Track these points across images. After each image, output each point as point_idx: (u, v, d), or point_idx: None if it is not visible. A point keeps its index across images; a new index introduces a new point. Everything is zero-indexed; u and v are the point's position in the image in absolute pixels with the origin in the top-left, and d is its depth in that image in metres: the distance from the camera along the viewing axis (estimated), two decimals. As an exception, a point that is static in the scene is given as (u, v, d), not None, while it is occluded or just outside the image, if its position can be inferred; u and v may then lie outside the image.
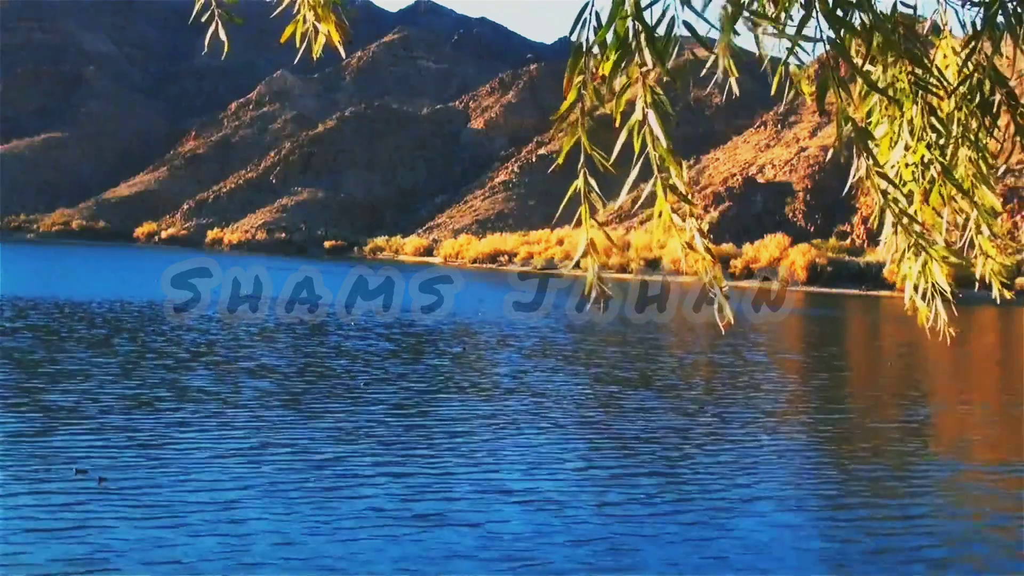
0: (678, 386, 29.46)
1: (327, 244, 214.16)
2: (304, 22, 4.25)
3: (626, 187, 3.80)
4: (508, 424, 21.72)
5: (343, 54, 4.34)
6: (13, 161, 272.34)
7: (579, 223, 3.85)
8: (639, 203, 3.95)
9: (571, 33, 3.60)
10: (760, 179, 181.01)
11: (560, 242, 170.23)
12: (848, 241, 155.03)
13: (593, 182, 3.80)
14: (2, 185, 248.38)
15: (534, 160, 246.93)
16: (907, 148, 4.23)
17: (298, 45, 4.31)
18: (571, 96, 3.65)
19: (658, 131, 3.56)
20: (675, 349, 43.24)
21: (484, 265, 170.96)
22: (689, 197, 3.76)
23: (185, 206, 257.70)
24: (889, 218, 4.21)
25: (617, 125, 3.68)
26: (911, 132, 4.23)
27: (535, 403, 24.83)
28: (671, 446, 20.10)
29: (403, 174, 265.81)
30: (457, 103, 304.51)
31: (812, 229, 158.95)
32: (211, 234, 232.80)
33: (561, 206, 3.83)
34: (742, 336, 51.33)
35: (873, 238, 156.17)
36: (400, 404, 23.83)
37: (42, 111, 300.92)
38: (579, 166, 3.77)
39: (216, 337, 36.93)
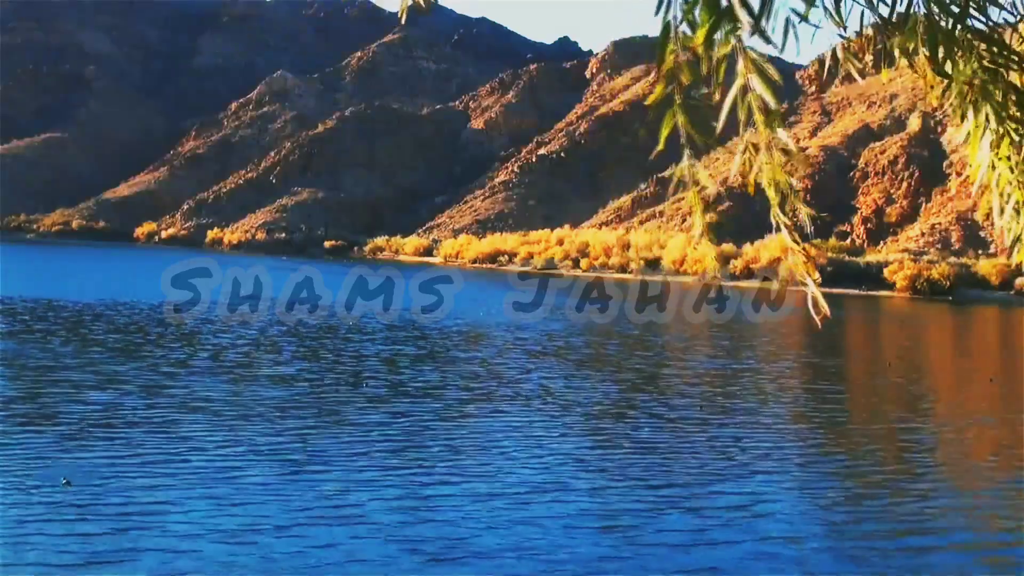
0: (706, 394, 28.55)
1: (327, 244, 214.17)
2: None
3: (736, 159, 3.73)
4: (545, 437, 20.65)
5: (425, 8, 4.28)
6: (13, 161, 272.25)
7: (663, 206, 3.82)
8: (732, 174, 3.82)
9: (656, 12, 3.55)
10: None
11: (560, 242, 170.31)
12: (848, 241, 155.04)
13: (698, 164, 3.74)
14: (2, 185, 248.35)
15: (534, 160, 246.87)
16: (991, 145, 4.09)
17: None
18: (665, 75, 3.59)
19: (766, 95, 3.50)
20: (689, 353, 42.62)
21: (484, 265, 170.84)
22: (800, 161, 3.69)
23: (185, 206, 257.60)
24: (1001, 198, 4.08)
25: (717, 97, 3.62)
26: (992, 130, 4.09)
27: (569, 415, 23.88)
28: (715, 463, 19.01)
29: (403, 174, 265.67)
30: (457, 103, 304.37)
31: (812, 229, 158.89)
32: (211, 234, 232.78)
33: (670, 190, 3.79)
34: (751, 337, 51.34)
35: (873, 238, 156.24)
36: (432, 416, 22.65)
37: (42, 111, 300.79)
38: (681, 146, 3.71)
39: (223, 341, 36.07)
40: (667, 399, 27.28)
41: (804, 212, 3.85)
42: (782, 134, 3.58)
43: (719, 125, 3.60)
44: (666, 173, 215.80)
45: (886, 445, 21.99)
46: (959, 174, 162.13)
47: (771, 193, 3.77)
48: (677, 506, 15.59)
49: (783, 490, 16.94)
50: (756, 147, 3.67)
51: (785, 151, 3.63)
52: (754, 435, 22.02)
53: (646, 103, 3.69)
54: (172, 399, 23.12)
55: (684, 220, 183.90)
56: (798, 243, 3.81)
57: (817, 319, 3.81)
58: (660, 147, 3.74)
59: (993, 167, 4.09)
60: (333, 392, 25.61)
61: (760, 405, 26.93)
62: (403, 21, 4.33)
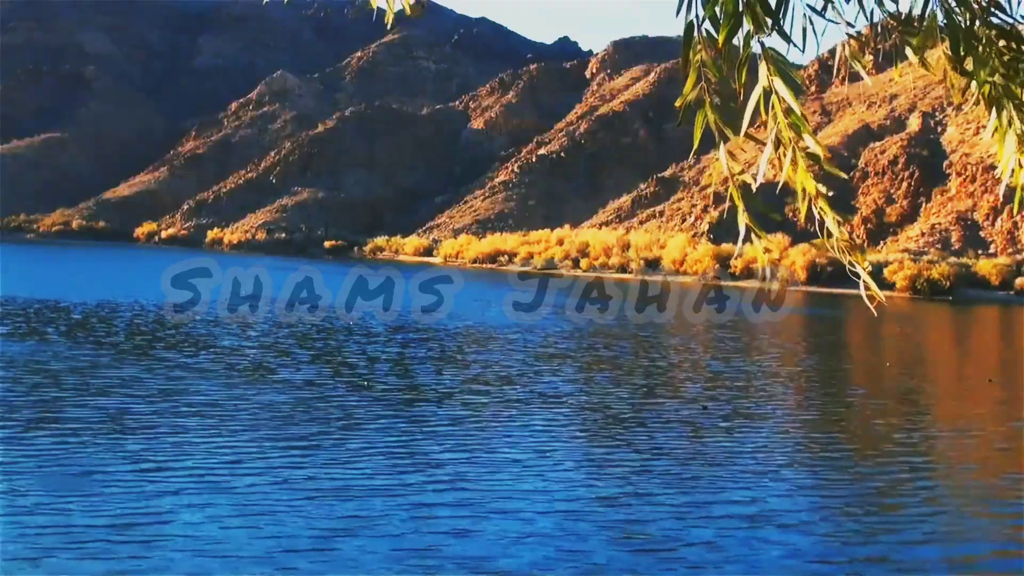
0: (714, 396, 28.18)
1: (327, 244, 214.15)
2: None
3: (764, 159, 3.69)
4: (559, 443, 20.41)
5: (411, 12, 4.26)
6: (13, 161, 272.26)
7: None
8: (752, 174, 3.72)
9: (677, 13, 3.51)
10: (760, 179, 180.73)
11: (560, 242, 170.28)
12: (848, 241, 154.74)
13: (734, 161, 3.70)
14: (2, 185, 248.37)
15: (534, 160, 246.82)
16: (1019, 142, 3.99)
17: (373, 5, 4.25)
18: (692, 75, 3.55)
19: (788, 98, 3.44)
20: (694, 354, 42.25)
21: (484, 265, 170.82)
22: (829, 166, 3.64)
23: (185, 206, 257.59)
24: None
25: (741, 97, 3.58)
26: (1016, 130, 4.01)
27: (581, 419, 23.66)
28: (726, 469, 18.63)
29: (403, 174, 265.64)
30: (457, 103, 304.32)
31: (812, 229, 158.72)
32: (211, 234, 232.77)
33: (714, 181, 3.76)
34: (753, 338, 51.36)
35: (873, 238, 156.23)
36: (444, 421, 22.23)
37: (42, 111, 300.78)
38: (716, 142, 3.67)
39: (225, 344, 35.71)
40: (677, 402, 27.01)
41: (831, 217, 3.83)
42: (809, 140, 3.54)
43: (743, 126, 3.55)
44: (666, 173, 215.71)
45: (889, 447, 21.99)
46: (959, 174, 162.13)
47: (802, 204, 3.72)
48: (694, 516, 15.24)
49: (794, 497, 16.70)
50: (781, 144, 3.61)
51: (813, 157, 3.59)
52: (761, 439, 22.01)
53: (675, 104, 3.67)
54: (175, 403, 22.74)
55: (684, 220, 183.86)
56: (839, 225, 3.77)
57: (871, 305, 3.73)
58: (695, 148, 3.71)
59: (1021, 165, 4.04)
60: (341, 396, 25.14)
61: (765, 407, 26.93)
62: (389, 26, 4.34)
